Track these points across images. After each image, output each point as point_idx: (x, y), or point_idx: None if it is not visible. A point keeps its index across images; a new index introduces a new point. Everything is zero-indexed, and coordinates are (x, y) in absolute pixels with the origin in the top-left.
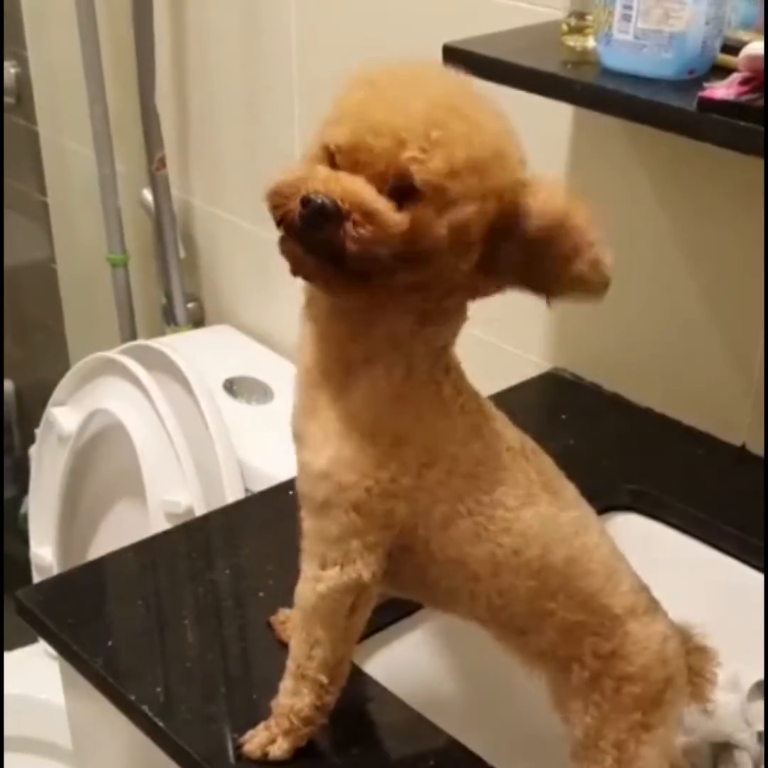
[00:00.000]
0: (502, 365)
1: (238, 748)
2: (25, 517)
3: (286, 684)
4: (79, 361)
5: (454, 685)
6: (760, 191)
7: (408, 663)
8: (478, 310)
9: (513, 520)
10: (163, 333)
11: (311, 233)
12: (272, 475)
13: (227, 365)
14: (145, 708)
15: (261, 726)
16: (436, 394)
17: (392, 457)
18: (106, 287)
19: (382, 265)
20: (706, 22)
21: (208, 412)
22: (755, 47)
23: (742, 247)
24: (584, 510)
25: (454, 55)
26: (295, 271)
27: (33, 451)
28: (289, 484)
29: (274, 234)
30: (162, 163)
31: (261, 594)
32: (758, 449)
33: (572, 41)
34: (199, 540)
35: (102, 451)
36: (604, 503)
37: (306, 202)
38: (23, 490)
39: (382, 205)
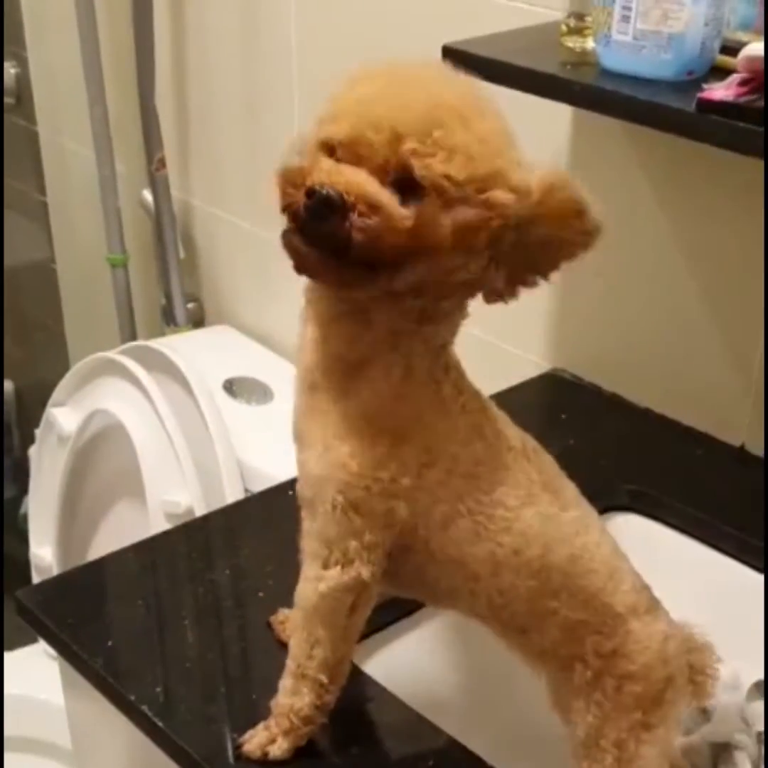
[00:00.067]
0: (502, 365)
1: (237, 748)
2: (25, 517)
3: (286, 683)
4: (78, 361)
5: (454, 685)
6: (759, 191)
7: (408, 663)
8: (478, 309)
9: (513, 520)
10: (162, 333)
11: (316, 224)
12: (272, 476)
13: (227, 366)
14: (144, 708)
15: (261, 726)
16: (436, 394)
17: (392, 457)
18: (106, 287)
19: (387, 258)
20: (705, 23)
21: (208, 413)
22: (754, 48)
23: (741, 247)
24: (585, 509)
25: (453, 56)
26: (298, 266)
27: (33, 451)
28: (289, 485)
29: (275, 234)
30: (162, 163)
31: (261, 594)
32: (758, 449)
33: (571, 42)
34: (198, 540)
35: (102, 452)
36: (604, 503)
37: (311, 193)
38: (23, 490)
39: (386, 197)
